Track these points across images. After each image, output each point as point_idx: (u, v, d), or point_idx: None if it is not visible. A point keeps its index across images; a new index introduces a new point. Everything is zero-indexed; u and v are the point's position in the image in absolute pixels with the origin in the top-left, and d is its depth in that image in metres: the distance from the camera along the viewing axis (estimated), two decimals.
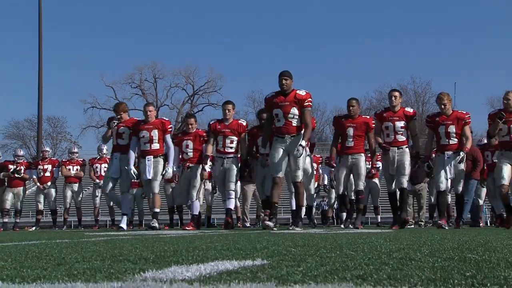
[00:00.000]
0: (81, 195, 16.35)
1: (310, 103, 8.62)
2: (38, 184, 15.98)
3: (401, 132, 9.54)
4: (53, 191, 15.47)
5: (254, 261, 2.29)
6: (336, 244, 3.53)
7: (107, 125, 10.83)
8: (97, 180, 15.56)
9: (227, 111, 10.27)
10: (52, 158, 17.39)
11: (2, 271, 2.10)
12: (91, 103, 60.35)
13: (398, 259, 2.36)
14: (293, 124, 8.49)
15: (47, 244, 4.28)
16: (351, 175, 9.97)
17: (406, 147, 9.66)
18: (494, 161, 13.96)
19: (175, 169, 10.53)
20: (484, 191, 14.04)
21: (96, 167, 15.64)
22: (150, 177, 9.95)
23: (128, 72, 70.02)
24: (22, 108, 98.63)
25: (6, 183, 15.72)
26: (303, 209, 9.76)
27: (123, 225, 10.28)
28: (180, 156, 10.62)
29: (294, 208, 10.10)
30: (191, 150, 10.50)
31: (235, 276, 1.77)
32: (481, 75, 71.74)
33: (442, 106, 9.33)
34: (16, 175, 15.45)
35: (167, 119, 10.67)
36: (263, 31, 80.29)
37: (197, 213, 10.77)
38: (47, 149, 17.28)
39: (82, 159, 16.54)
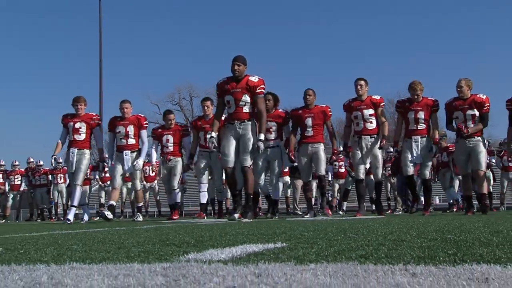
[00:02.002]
0: (133, 192, 16.60)
1: (262, 90, 7.11)
2: (100, 183, 16.20)
3: (370, 120, 8.09)
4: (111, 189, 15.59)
5: (275, 244, 2.26)
6: (341, 229, 3.47)
7: (61, 122, 9.04)
8: (144, 182, 15.87)
9: (206, 107, 9.17)
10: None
11: (76, 254, 2.10)
12: None
13: (392, 240, 2.33)
14: (244, 111, 7.05)
15: (109, 231, 4.29)
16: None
17: (378, 134, 8.18)
18: (444, 160, 13.85)
19: (154, 162, 9.71)
20: (457, 182, 13.94)
21: (145, 169, 15.78)
22: (127, 172, 8.92)
23: (169, 92, 70.73)
24: None
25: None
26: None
27: (70, 216, 8.86)
28: (161, 150, 9.52)
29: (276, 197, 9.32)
30: (172, 144, 9.32)
31: (261, 257, 1.74)
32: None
33: (415, 97, 8.00)
34: None
35: (142, 116, 9.35)
36: (281, 56, 79.75)
37: (179, 201, 9.66)
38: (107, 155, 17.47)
39: None
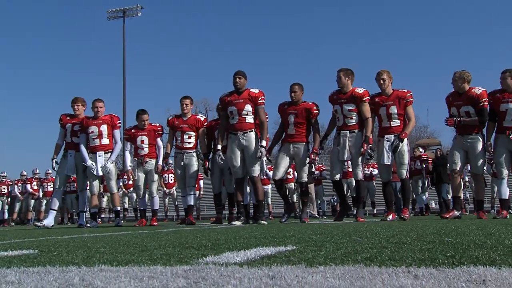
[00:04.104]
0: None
1: (263, 101, 6.91)
2: (124, 189, 16.24)
3: (350, 116, 6.79)
4: (134, 195, 15.62)
5: (286, 247, 2.23)
6: (346, 232, 3.42)
7: (60, 121, 8.18)
8: (165, 188, 16.00)
9: (184, 105, 8.02)
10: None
11: (104, 256, 2.09)
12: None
13: (394, 243, 2.28)
14: (247, 121, 6.84)
15: (133, 235, 4.26)
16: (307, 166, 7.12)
17: (359, 131, 6.85)
18: (417, 168, 13.45)
19: (130, 166, 8.37)
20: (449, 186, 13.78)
21: (165, 176, 15.89)
22: (100, 174, 7.90)
23: None
24: None
25: (102, 188, 16.05)
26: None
27: (82, 222, 8.23)
28: (135, 152, 8.32)
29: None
30: (147, 145, 8.18)
31: (273, 259, 1.71)
32: None
33: (381, 81, 6.64)
34: None
35: (116, 115, 8.26)
36: (292, 72, 79.36)
37: (157, 208, 8.68)
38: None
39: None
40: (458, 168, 6.80)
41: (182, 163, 7.94)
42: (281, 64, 79.11)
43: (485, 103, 6.56)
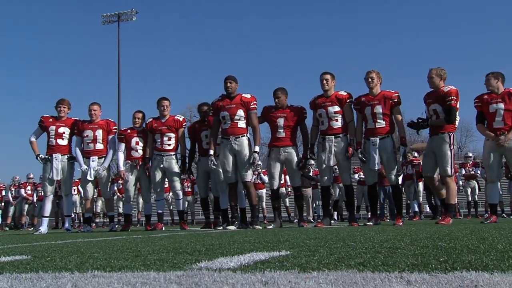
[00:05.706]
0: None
1: (255, 106, 6.88)
2: (118, 194, 16.19)
3: (335, 118, 6.73)
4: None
5: (280, 252, 2.22)
6: (340, 237, 3.42)
7: (40, 123, 7.90)
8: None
9: (164, 107, 7.75)
10: None
11: (97, 262, 2.08)
12: None
13: (387, 248, 2.29)
14: (239, 126, 6.81)
15: (127, 239, 4.25)
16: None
17: (344, 135, 6.78)
18: (409, 173, 13.55)
19: (122, 168, 7.96)
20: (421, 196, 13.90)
21: None
22: (91, 178, 7.78)
23: (182, 110, 70.71)
24: None
25: (97, 193, 15.97)
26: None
27: (68, 226, 8.21)
28: (127, 153, 8.02)
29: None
30: (141, 148, 7.92)
31: (267, 265, 1.71)
32: None
33: (369, 80, 6.60)
34: None
35: (113, 121, 8.18)
36: (287, 75, 79.58)
37: (150, 213, 8.56)
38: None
39: None
40: (428, 174, 6.59)
41: (162, 165, 7.67)
42: (278, 66, 79.26)
43: (452, 101, 6.22)
